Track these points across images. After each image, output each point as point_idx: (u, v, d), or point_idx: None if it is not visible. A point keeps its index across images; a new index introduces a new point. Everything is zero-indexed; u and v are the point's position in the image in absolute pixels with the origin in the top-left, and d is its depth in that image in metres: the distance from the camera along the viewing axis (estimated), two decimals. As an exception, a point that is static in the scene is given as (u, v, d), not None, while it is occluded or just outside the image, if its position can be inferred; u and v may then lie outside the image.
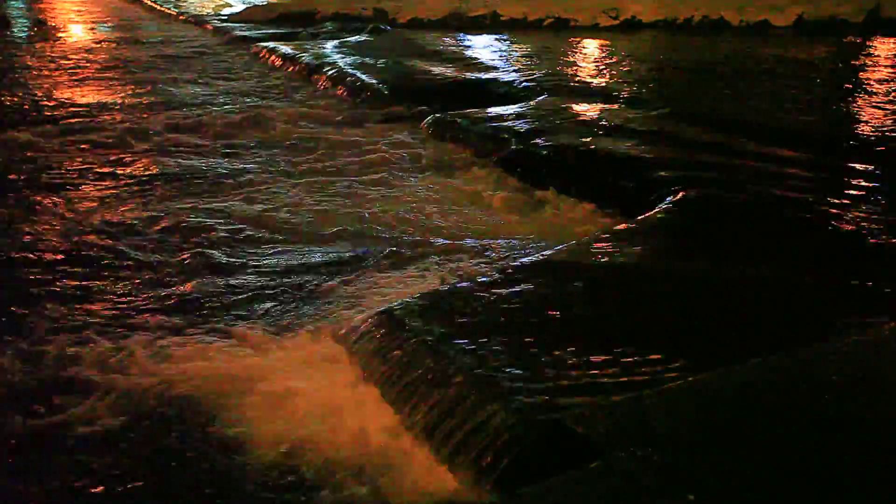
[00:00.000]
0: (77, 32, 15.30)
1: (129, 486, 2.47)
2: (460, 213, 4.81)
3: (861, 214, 4.06)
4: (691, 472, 1.97)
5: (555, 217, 4.75)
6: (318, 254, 4.22)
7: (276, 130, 6.96)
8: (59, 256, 4.19)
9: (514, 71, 8.97)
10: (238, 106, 8.03)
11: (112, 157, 6.10)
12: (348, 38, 12.63)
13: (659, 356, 2.65)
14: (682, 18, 14.53)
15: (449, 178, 5.55)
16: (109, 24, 16.79)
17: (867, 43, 11.67)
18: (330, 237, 4.45)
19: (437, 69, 9.15)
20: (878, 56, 10.53)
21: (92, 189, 5.33)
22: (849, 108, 6.97)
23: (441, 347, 2.81)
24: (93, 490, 2.46)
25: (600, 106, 6.89)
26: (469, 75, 8.72)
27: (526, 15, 14.96)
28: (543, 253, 3.74)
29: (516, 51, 11.31)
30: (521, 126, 6.15)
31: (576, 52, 11.27)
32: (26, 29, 16.16)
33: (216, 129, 7.00)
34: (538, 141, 5.71)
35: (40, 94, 8.58)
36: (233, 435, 2.68)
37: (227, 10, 18.49)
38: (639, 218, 4.15)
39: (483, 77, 8.56)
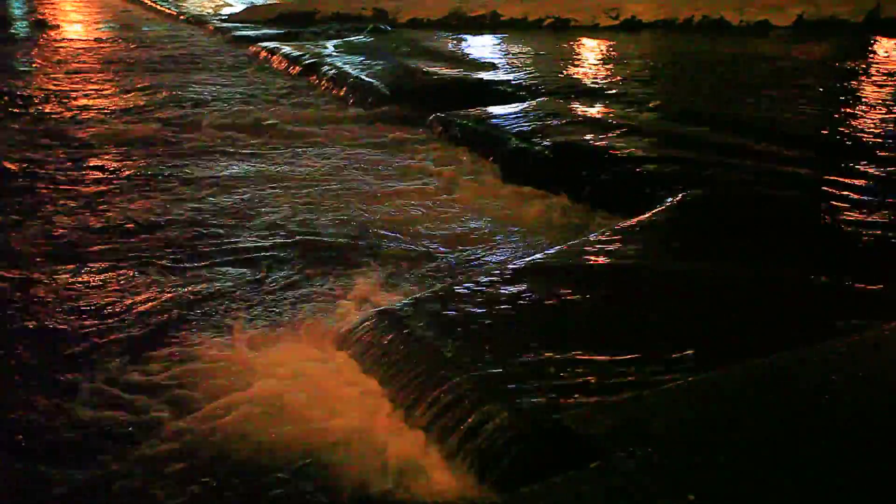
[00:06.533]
0: (77, 32, 15.27)
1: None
2: (459, 212, 4.81)
3: (861, 214, 4.05)
4: (691, 472, 1.96)
5: (554, 217, 4.75)
6: (313, 251, 4.24)
7: (275, 131, 6.94)
8: (56, 252, 4.20)
9: (515, 71, 8.96)
10: (237, 106, 8.00)
11: (108, 156, 6.10)
12: (348, 39, 12.62)
13: (659, 356, 2.65)
14: (682, 18, 14.50)
15: (448, 177, 5.56)
16: (109, 25, 16.76)
17: (867, 43, 11.67)
18: (326, 236, 4.45)
19: (437, 69, 9.13)
20: (878, 56, 10.52)
21: (87, 187, 5.33)
22: (849, 108, 6.96)
23: (441, 347, 2.81)
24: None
25: (600, 106, 6.88)
26: (469, 75, 8.70)
27: (526, 15, 14.93)
28: (543, 252, 3.74)
29: (516, 51, 11.29)
30: (522, 126, 6.14)
31: (576, 52, 11.25)
32: (26, 29, 16.15)
33: (214, 129, 6.98)
34: (539, 141, 5.70)
35: (38, 93, 8.57)
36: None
37: (226, 10, 18.44)
38: (639, 218, 4.15)
39: (483, 77, 8.54)
